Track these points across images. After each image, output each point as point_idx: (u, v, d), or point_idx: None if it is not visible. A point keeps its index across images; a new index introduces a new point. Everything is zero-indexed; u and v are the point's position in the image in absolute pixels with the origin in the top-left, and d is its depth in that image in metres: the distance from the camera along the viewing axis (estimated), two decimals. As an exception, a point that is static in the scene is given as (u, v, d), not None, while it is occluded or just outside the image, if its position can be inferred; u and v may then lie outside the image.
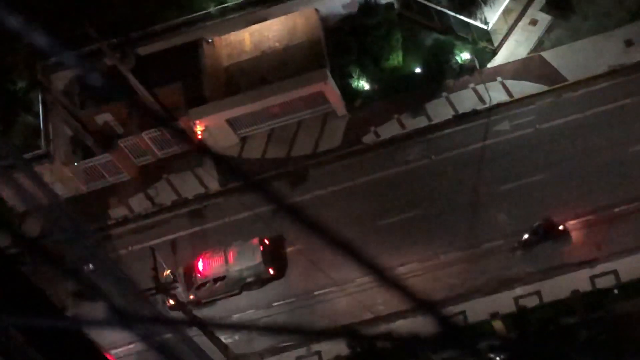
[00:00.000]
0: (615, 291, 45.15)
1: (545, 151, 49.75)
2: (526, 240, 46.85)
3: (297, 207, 7.44)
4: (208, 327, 44.94)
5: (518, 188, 49.18)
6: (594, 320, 44.57)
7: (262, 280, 50.54)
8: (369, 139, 53.19)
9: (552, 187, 48.72)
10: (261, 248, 50.30)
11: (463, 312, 46.09)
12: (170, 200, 54.44)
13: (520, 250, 46.87)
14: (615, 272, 45.63)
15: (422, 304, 7.70)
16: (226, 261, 50.13)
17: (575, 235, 47.12)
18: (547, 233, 46.57)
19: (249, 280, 50.25)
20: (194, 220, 53.63)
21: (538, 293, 46.30)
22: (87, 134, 54.98)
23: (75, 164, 54.83)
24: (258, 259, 50.05)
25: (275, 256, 51.09)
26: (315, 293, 49.72)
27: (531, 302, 46.29)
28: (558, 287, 45.92)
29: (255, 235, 50.98)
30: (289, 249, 51.17)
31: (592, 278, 45.89)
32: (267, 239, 51.04)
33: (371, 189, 51.83)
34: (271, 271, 50.36)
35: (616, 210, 47.25)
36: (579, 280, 45.90)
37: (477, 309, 46.44)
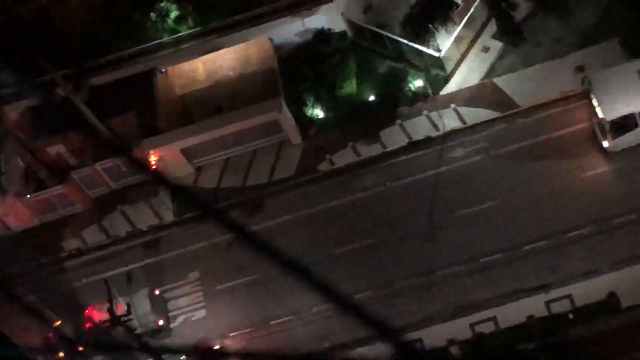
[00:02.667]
0: (571, 316, 45.27)
1: (499, 177, 50.00)
2: None
3: (258, 235, 7.34)
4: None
5: (473, 214, 49.32)
6: (551, 345, 44.64)
7: (152, 331, 49.71)
8: (324, 167, 53.21)
9: (507, 212, 48.91)
10: (149, 299, 49.60)
11: (420, 340, 45.96)
12: (124, 231, 54.04)
13: None
14: (570, 297, 45.79)
15: (384, 330, 7.60)
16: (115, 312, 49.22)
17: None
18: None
19: (137, 331, 49.11)
20: (148, 252, 53.25)
21: (494, 319, 46.34)
22: (39, 166, 54.50)
23: (28, 196, 54.27)
24: (147, 309, 49.44)
25: (164, 307, 50.49)
26: (272, 322, 49.43)
27: (487, 328, 46.30)
28: (514, 313, 45.98)
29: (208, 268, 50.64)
30: (245, 279, 50.87)
31: (548, 303, 46.01)
32: (157, 289, 50.48)
33: (327, 217, 51.76)
34: (161, 322, 49.73)
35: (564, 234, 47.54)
36: (534, 306, 45.97)
37: (433, 336, 46.34)
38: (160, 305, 50.24)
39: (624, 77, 47.52)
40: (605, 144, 48.44)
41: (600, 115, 47.56)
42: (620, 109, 47.12)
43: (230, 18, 54.54)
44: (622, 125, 47.48)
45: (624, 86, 47.27)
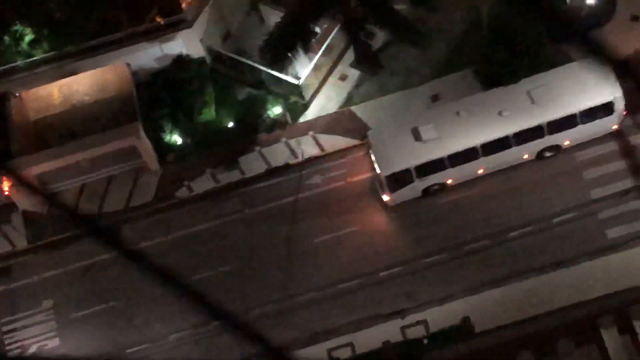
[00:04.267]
0: (425, 341, 45.94)
1: (356, 204, 50.57)
2: None
3: (142, 254, 7.18)
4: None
5: (331, 240, 49.69)
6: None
7: None
8: (182, 193, 52.86)
9: (364, 239, 49.48)
10: None
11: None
12: (-26, 258, 52.55)
13: None
14: (425, 322, 46.47)
15: (268, 349, 7.54)
16: None
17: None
18: None
19: None
20: (-1, 279, 51.94)
21: (351, 345, 46.67)
22: None
23: None
24: None
25: None
26: (128, 351, 48.70)
27: (344, 353, 46.60)
28: (370, 338, 46.41)
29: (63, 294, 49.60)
30: (101, 306, 50.03)
31: (403, 328, 46.60)
32: None
33: (185, 244, 51.40)
34: None
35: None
36: (390, 331, 46.50)
37: (291, 363, 46.34)
38: None
39: (398, 134, 48.30)
40: (385, 197, 49.42)
41: (378, 170, 48.55)
42: (395, 165, 47.95)
43: (87, 43, 53.67)
44: (400, 180, 48.46)
45: (398, 143, 47.97)
